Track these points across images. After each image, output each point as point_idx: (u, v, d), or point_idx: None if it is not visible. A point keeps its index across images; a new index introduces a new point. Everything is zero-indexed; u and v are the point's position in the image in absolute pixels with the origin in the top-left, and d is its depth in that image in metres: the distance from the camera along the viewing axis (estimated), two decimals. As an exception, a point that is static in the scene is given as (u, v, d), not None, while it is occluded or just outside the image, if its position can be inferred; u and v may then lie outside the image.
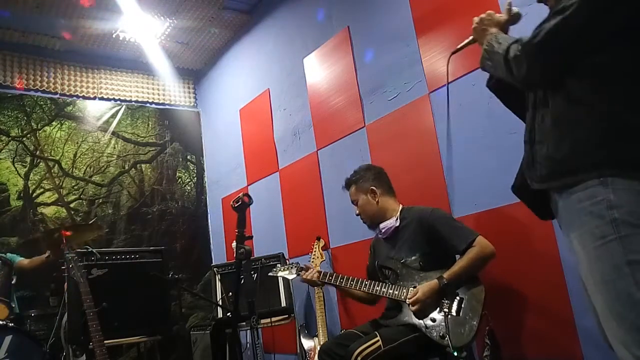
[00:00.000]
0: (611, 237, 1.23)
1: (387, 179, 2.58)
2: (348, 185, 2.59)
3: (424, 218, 2.33)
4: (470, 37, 1.65)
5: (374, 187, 2.49)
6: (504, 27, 1.57)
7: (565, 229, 1.39)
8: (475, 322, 2.06)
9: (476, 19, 1.59)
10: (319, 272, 2.52)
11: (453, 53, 1.78)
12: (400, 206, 2.50)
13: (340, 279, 2.42)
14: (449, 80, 1.89)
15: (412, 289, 2.21)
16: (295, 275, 2.65)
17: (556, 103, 1.35)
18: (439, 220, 2.29)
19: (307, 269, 2.60)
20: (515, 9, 1.59)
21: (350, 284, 2.38)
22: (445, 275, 2.13)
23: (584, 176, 1.27)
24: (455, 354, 2.00)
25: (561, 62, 1.32)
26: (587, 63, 1.29)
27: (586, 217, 1.27)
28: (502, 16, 1.58)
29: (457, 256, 2.27)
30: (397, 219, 2.43)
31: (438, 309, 2.14)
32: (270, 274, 2.81)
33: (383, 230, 2.46)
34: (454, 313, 2.10)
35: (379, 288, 2.29)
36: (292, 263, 2.73)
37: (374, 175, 2.55)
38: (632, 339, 1.20)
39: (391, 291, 2.26)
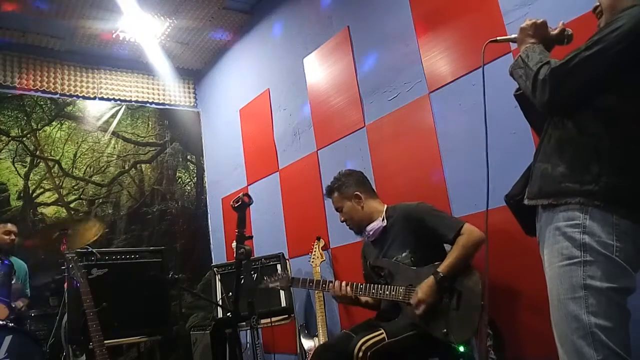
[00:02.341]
0: (576, 259, 1.29)
1: (369, 182, 2.60)
2: (330, 192, 2.58)
3: (410, 213, 2.35)
4: (514, 35, 1.59)
5: (358, 193, 2.49)
6: (549, 42, 1.53)
7: (541, 245, 1.43)
8: (475, 315, 2.07)
9: (529, 22, 1.54)
10: (349, 285, 2.37)
11: (491, 42, 1.71)
12: (385, 206, 2.50)
13: (364, 287, 2.35)
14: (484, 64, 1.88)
15: (406, 287, 2.21)
16: (286, 285, 2.59)
17: (566, 128, 1.38)
18: (424, 213, 2.32)
19: (329, 282, 2.45)
20: (569, 31, 1.53)
21: (354, 289, 2.36)
22: (440, 268, 2.14)
23: (568, 199, 1.32)
24: (461, 348, 2.01)
25: (585, 93, 1.33)
26: (605, 98, 1.31)
27: (560, 237, 1.33)
28: (553, 32, 1.54)
29: (447, 246, 2.29)
30: (383, 219, 2.43)
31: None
32: (260, 286, 2.73)
33: (371, 233, 2.46)
34: (454, 308, 2.11)
35: (374, 290, 2.29)
36: (281, 274, 2.66)
37: (356, 180, 2.55)
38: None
39: (387, 292, 2.25)
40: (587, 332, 1.24)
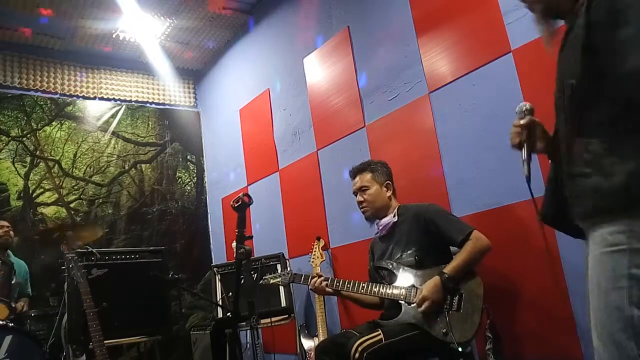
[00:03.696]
0: (622, 246, 1.19)
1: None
2: (361, 170, 2.54)
3: (421, 212, 2.37)
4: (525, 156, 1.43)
5: (390, 182, 2.52)
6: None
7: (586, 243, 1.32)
8: (476, 317, 2.08)
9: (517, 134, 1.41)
10: (326, 279, 2.46)
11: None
12: (398, 204, 2.52)
13: (347, 283, 2.40)
14: None
15: (408, 287, 2.22)
16: (288, 281, 2.60)
17: (609, 131, 1.21)
18: (436, 213, 2.33)
19: (315, 276, 2.53)
20: (522, 106, 1.44)
21: (355, 288, 2.37)
22: (446, 269, 2.15)
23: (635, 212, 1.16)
24: (460, 349, 2.01)
25: None
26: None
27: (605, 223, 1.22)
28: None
29: (452, 248, 2.30)
30: (395, 215, 2.45)
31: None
32: (261, 282, 2.73)
33: (381, 228, 2.48)
34: (454, 309, 2.11)
35: (377, 289, 2.29)
36: (285, 272, 2.67)
37: (390, 173, 2.58)
38: (609, 354, 1.20)
39: (390, 291, 2.26)
40: (629, 325, 1.16)
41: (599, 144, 1.21)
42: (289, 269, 2.70)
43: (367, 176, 2.51)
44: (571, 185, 1.30)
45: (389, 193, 2.50)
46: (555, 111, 1.44)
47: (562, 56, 1.39)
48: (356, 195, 2.54)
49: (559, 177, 1.40)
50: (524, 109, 1.45)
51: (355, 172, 2.57)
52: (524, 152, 1.43)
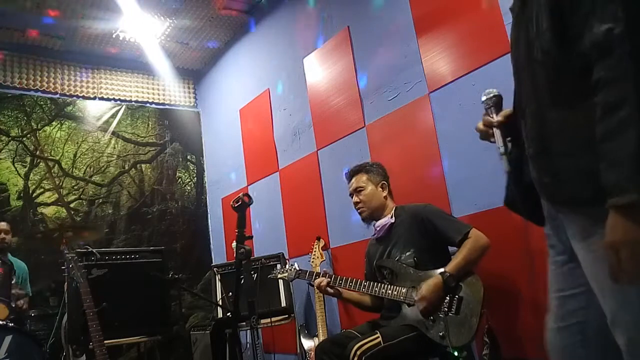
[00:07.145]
0: None
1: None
2: (357, 172, 2.57)
3: (418, 213, 2.37)
4: None
5: (385, 182, 2.53)
6: None
7: (572, 235, 1.13)
8: (474, 321, 2.07)
9: None
10: (330, 277, 2.47)
11: None
12: (395, 205, 2.53)
13: (350, 281, 2.39)
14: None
15: (409, 288, 2.22)
16: (294, 276, 2.62)
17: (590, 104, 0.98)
18: (433, 213, 2.34)
19: (322, 274, 2.54)
20: None
21: (357, 286, 2.38)
22: (447, 268, 2.15)
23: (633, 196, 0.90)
24: (456, 353, 2.00)
25: None
26: None
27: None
28: None
29: (450, 248, 2.31)
30: (392, 216, 2.46)
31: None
32: (270, 276, 2.77)
33: (378, 229, 2.49)
34: (453, 312, 2.10)
35: (377, 289, 2.29)
36: (291, 265, 2.69)
37: (385, 173, 2.60)
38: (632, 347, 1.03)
39: (390, 291, 2.26)
40: None
41: (584, 118, 1.00)
42: (295, 264, 2.70)
43: (363, 177, 2.54)
44: (545, 164, 1.12)
45: (384, 193, 2.52)
46: (517, 80, 1.24)
47: (521, 19, 1.20)
48: (352, 197, 2.56)
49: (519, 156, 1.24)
50: (491, 95, 1.26)
51: (351, 174, 2.60)
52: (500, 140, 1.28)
